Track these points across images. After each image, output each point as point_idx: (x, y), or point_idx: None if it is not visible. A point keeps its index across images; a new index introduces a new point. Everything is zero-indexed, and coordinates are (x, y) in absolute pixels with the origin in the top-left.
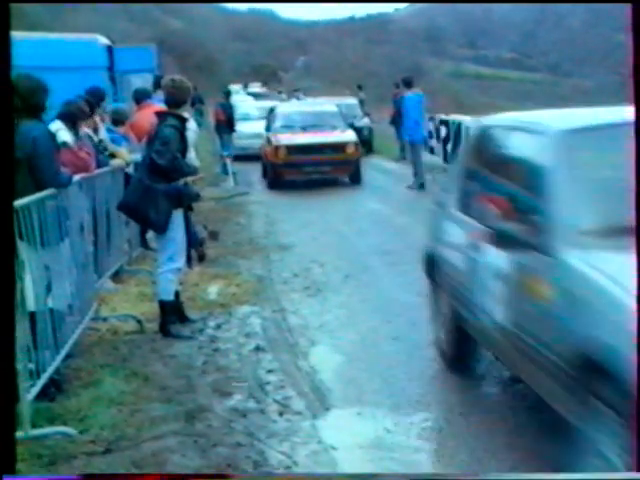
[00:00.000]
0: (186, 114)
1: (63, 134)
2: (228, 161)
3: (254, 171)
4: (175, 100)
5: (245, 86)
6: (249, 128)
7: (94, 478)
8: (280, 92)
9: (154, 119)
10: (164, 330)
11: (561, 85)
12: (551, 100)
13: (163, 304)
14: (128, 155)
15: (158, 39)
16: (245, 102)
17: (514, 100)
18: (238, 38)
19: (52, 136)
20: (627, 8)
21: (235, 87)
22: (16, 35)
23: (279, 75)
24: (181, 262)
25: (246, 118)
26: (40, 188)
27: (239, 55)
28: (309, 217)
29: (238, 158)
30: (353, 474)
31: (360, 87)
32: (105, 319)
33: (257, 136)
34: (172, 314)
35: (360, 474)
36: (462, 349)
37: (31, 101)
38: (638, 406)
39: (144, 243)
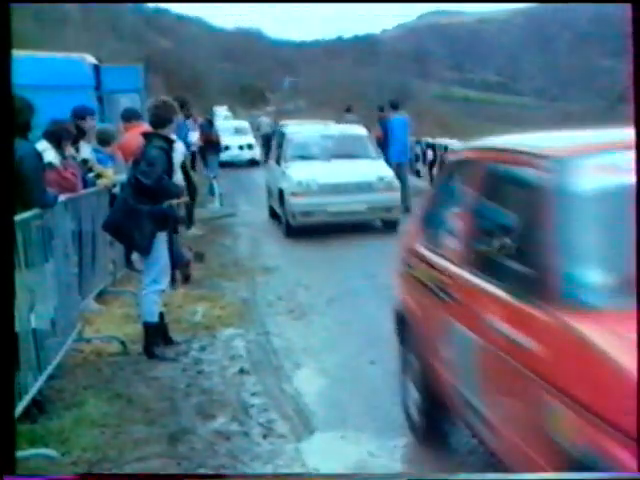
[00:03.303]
0: (173, 135)
1: (49, 154)
2: (214, 182)
3: (240, 192)
4: (160, 121)
5: (210, 112)
6: (311, 173)
7: (93, 478)
8: (259, 117)
9: (141, 140)
10: (148, 352)
11: (547, 109)
12: (537, 124)
13: (147, 326)
14: (114, 175)
15: (146, 58)
16: (296, 127)
17: (500, 123)
18: (225, 58)
19: (39, 155)
20: (612, 31)
21: (219, 109)
22: None
23: (266, 96)
24: (165, 284)
25: (306, 155)
26: (25, 208)
27: (226, 75)
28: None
29: (298, 231)
30: (351, 474)
31: (349, 109)
32: (89, 340)
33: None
34: (156, 336)
35: (359, 474)
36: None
37: (17, 120)
38: (638, 407)
39: (129, 264)
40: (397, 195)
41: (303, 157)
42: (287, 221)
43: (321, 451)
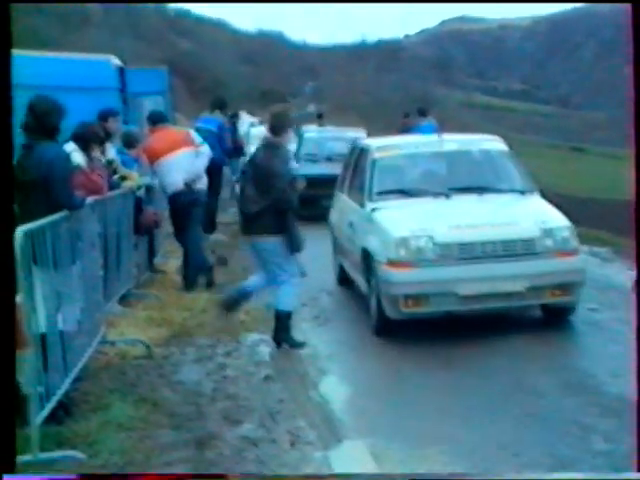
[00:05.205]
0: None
1: (76, 156)
2: (237, 186)
3: None
4: (279, 127)
5: (233, 115)
6: (422, 223)
7: (93, 478)
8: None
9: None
10: (277, 339)
11: (571, 118)
12: (560, 133)
13: (280, 314)
14: (139, 178)
15: (167, 60)
16: (385, 140)
17: (523, 132)
18: (247, 61)
19: (67, 158)
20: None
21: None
22: (30, 53)
23: (287, 100)
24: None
25: (408, 190)
26: (53, 210)
27: (248, 79)
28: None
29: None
30: (352, 474)
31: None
32: (113, 343)
33: None
34: (288, 324)
35: (359, 474)
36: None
37: (47, 123)
38: (638, 406)
39: (152, 267)
40: (578, 261)
41: (403, 192)
42: (380, 309)
43: (350, 459)
